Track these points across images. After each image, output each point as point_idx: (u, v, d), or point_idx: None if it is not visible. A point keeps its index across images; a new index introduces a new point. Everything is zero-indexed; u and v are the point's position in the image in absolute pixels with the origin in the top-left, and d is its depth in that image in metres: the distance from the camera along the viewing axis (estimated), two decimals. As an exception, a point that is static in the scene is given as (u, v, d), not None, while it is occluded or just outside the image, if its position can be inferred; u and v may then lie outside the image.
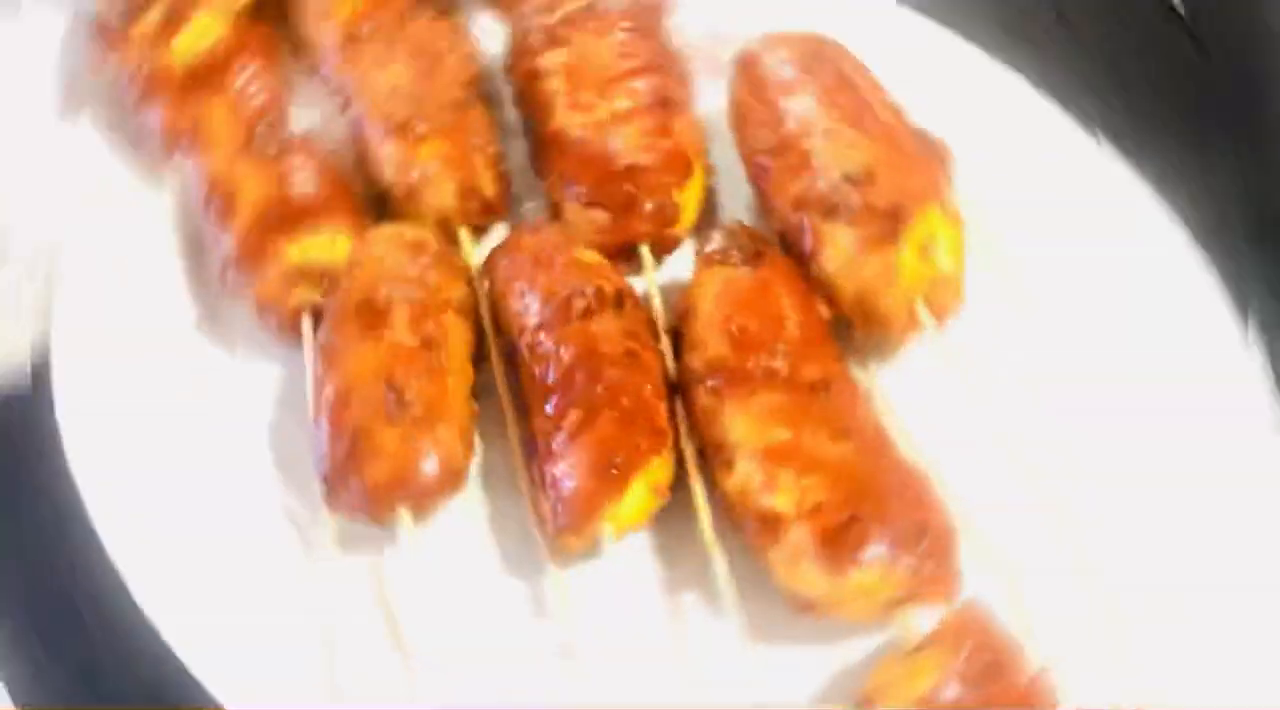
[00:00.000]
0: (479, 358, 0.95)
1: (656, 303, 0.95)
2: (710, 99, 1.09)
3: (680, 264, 1.00)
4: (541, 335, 0.87)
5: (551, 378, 0.85)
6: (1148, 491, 0.84)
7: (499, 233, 1.08)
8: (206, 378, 1.03)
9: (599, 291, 0.87)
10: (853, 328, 0.90)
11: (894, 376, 0.92)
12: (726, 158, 1.04)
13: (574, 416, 0.81)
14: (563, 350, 0.85)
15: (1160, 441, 0.86)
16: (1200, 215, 0.98)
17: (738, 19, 1.15)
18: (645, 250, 0.98)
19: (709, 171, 1.03)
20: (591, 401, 0.82)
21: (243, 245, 1.01)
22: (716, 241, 0.92)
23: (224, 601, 0.85)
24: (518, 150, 1.13)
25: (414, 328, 0.91)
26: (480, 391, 0.93)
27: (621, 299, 0.89)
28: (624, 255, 0.99)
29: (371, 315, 0.91)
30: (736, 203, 1.05)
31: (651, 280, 0.97)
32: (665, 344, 0.91)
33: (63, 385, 0.98)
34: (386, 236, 0.98)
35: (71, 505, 0.92)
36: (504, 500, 0.91)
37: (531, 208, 1.11)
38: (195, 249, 1.12)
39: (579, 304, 0.86)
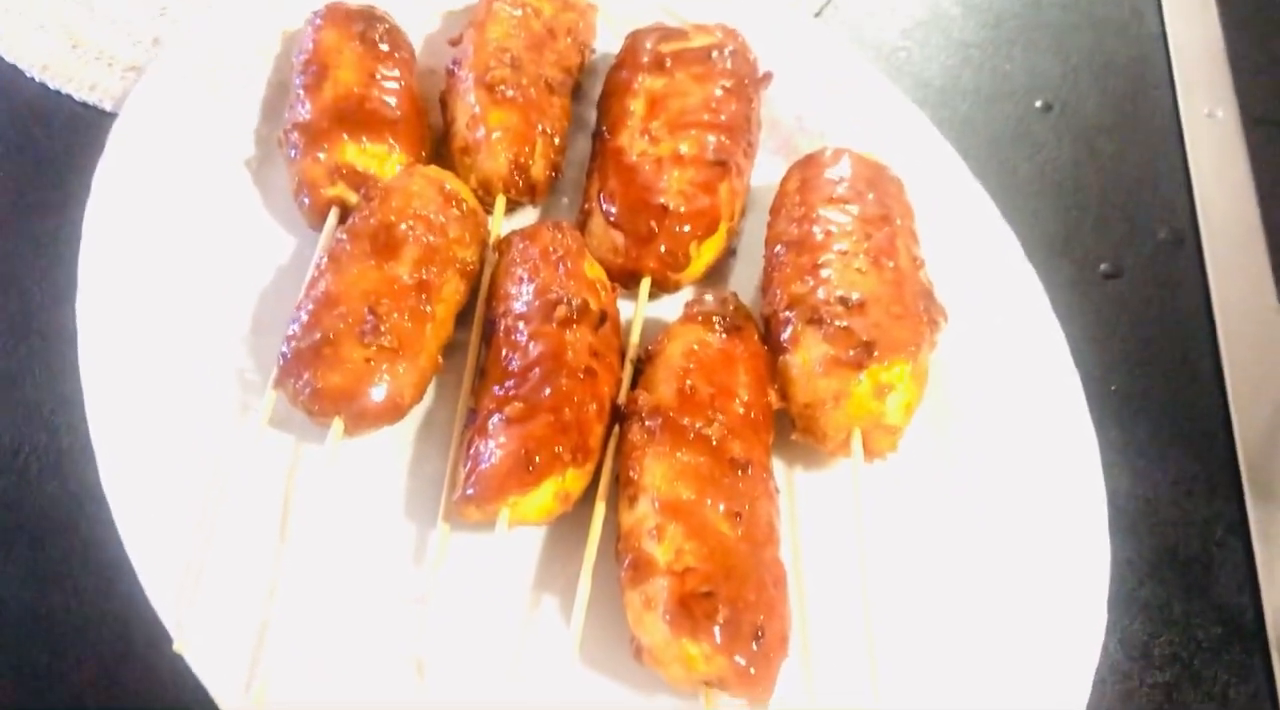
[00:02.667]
0: (463, 320, 1.02)
1: (635, 333, 1.02)
2: (768, 173, 1.17)
3: (674, 306, 1.07)
4: (520, 324, 0.94)
5: (514, 364, 0.91)
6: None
7: (528, 215, 1.16)
8: (229, 231, 1.10)
9: (584, 306, 0.94)
10: (792, 429, 0.96)
11: (808, 486, 0.99)
12: (759, 234, 1.11)
13: (517, 406, 0.88)
14: (532, 345, 0.92)
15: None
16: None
17: (825, 115, 1.23)
18: (646, 283, 1.05)
19: (733, 235, 1.10)
20: (537, 400, 0.88)
21: (315, 121, 1.08)
22: (706, 303, 0.98)
23: (151, 438, 0.92)
24: (580, 148, 1.21)
25: (417, 268, 0.97)
26: (452, 350, 1.01)
27: (603, 319, 0.95)
28: (627, 280, 1.05)
29: (386, 241, 0.98)
30: (747, 276, 1.12)
31: (640, 310, 1.04)
32: (627, 373, 0.98)
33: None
34: (430, 177, 1.05)
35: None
36: (429, 450, 0.97)
37: (567, 203, 1.18)
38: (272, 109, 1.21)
39: (562, 310, 0.92)
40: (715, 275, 1.10)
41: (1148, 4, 1.49)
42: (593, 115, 1.20)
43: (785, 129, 1.22)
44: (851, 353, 0.92)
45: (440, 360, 0.97)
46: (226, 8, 1.26)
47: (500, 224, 1.10)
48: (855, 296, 0.95)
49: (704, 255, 1.06)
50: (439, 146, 1.16)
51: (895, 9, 1.45)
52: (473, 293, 1.04)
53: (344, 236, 0.99)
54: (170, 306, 1.01)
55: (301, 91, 1.12)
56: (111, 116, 1.19)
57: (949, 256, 1.08)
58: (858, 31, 1.42)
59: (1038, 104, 1.36)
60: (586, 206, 1.09)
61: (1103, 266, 1.22)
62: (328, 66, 1.13)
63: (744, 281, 1.11)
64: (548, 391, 0.88)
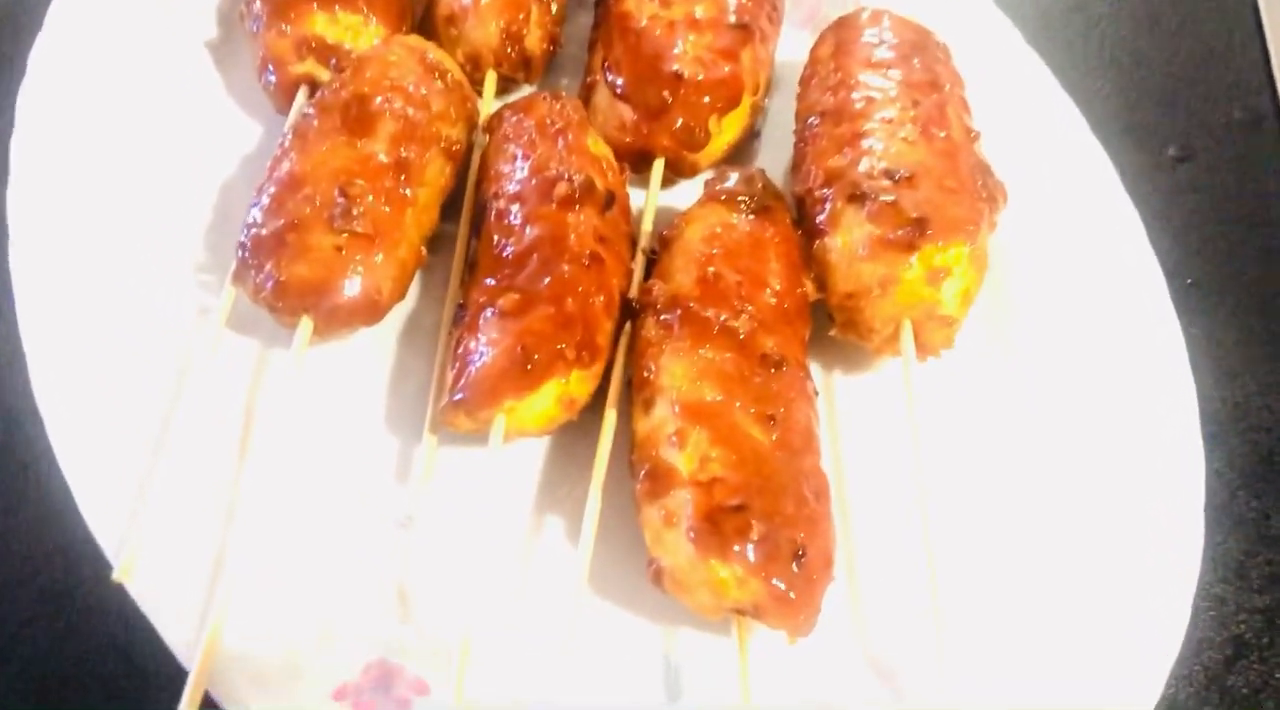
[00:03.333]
0: (450, 211, 0.90)
1: (647, 222, 0.88)
2: (794, 48, 1.03)
3: (692, 192, 0.94)
4: (515, 205, 0.81)
5: (508, 251, 0.79)
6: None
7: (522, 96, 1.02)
8: (184, 114, 0.97)
9: (588, 183, 0.81)
10: (831, 323, 0.83)
11: (850, 389, 0.86)
12: (786, 116, 0.98)
13: (512, 297, 0.75)
14: (529, 228, 0.79)
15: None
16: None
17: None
18: (659, 165, 0.91)
19: (757, 111, 0.96)
20: (536, 289, 0.75)
21: None
22: (730, 181, 0.85)
23: (92, 345, 0.80)
24: (580, 21, 1.07)
25: (395, 145, 0.84)
26: (438, 244, 0.88)
27: (610, 200, 0.82)
28: (637, 162, 0.92)
29: (360, 115, 0.85)
30: (774, 160, 0.99)
31: (653, 196, 0.90)
32: (638, 265, 0.85)
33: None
34: (410, 45, 0.91)
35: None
36: (413, 357, 0.85)
37: (566, 84, 1.04)
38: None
39: (563, 188, 0.79)
40: (738, 158, 0.97)
41: None
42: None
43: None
44: (900, 232, 0.79)
45: (424, 253, 0.84)
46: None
47: (490, 104, 0.96)
48: (903, 170, 0.81)
49: (725, 132, 0.93)
50: (421, 16, 1.02)
51: None
52: (460, 178, 0.91)
53: (311, 111, 0.86)
54: (115, 199, 0.89)
55: (260, -46, 0.99)
56: None
57: (1005, 131, 0.94)
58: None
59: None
60: (589, 79, 0.95)
61: (1171, 150, 1.08)
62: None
63: (771, 166, 0.98)
64: (547, 280, 0.76)
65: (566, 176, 0.80)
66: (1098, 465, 0.80)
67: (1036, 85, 0.99)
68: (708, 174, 0.93)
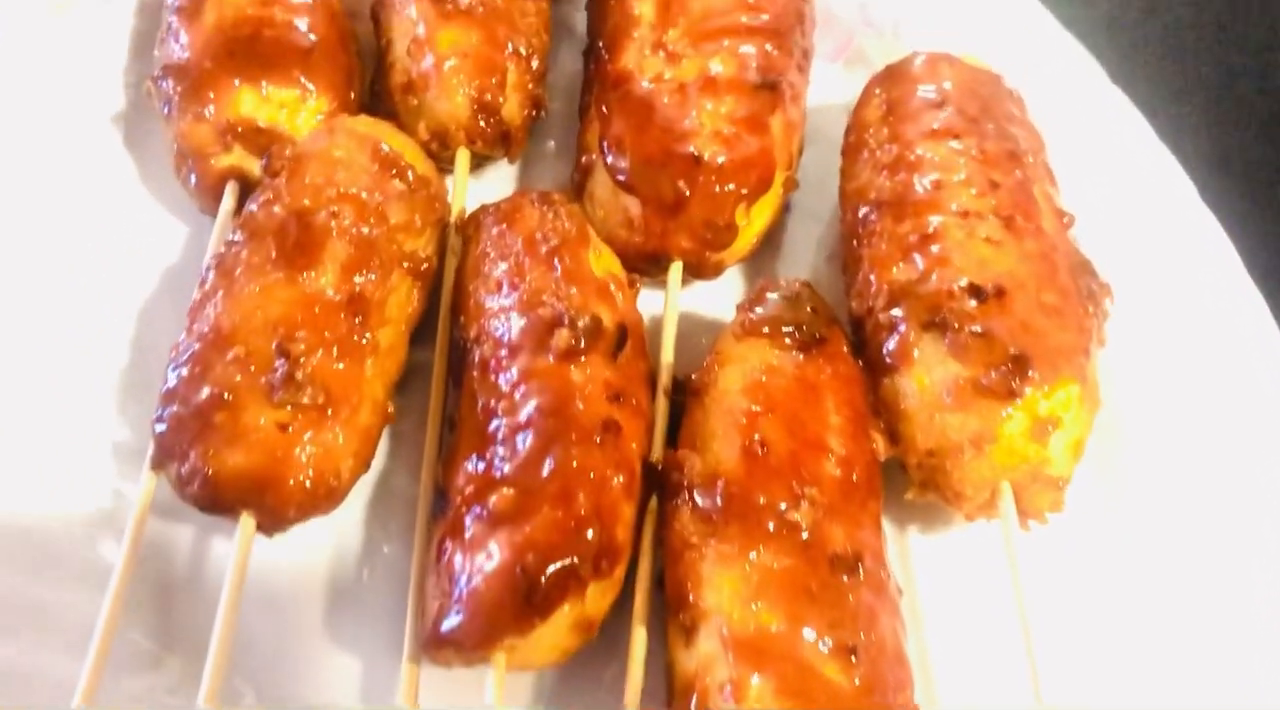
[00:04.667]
0: (421, 333, 0.72)
1: (667, 347, 0.71)
2: (824, 88, 0.85)
3: (717, 294, 0.77)
4: (504, 354, 0.63)
5: (498, 423, 0.61)
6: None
7: (502, 173, 0.85)
8: (90, 216, 0.80)
9: (595, 324, 0.63)
10: (905, 479, 0.67)
11: (930, 555, 0.70)
12: (817, 171, 0.81)
13: (506, 494, 0.58)
14: (523, 390, 0.62)
15: None
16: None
17: (900, 5, 0.91)
18: (677, 270, 0.74)
19: (790, 186, 0.78)
20: (536, 483, 0.58)
21: (194, 61, 0.77)
22: (770, 304, 0.67)
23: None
24: (566, 65, 0.89)
25: (346, 275, 0.66)
26: (410, 379, 0.71)
27: (622, 338, 0.65)
28: (650, 264, 0.75)
29: (300, 237, 0.67)
30: (807, 237, 0.82)
31: (671, 311, 0.73)
32: (661, 406, 0.68)
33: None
34: (359, 133, 0.73)
35: None
36: (385, 538, 0.68)
37: (554, 149, 0.86)
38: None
39: (564, 337, 0.62)
40: (768, 246, 0.80)
41: None
42: (580, 18, 0.88)
43: (845, 23, 0.90)
44: (995, 374, 0.62)
45: (390, 409, 0.67)
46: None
47: (464, 190, 0.78)
48: (990, 284, 0.64)
49: (755, 221, 0.75)
50: (373, 79, 0.84)
51: None
52: (433, 293, 0.73)
53: (238, 236, 0.68)
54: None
55: (174, 18, 0.80)
56: None
57: (1094, 196, 0.77)
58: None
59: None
60: (585, 159, 0.77)
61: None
62: (210, -20, 0.80)
63: (804, 245, 0.81)
64: (550, 467, 0.59)
65: (566, 318, 0.63)
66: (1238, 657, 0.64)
67: (1124, 131, 0.82)
68: (734, 272, 0.77)
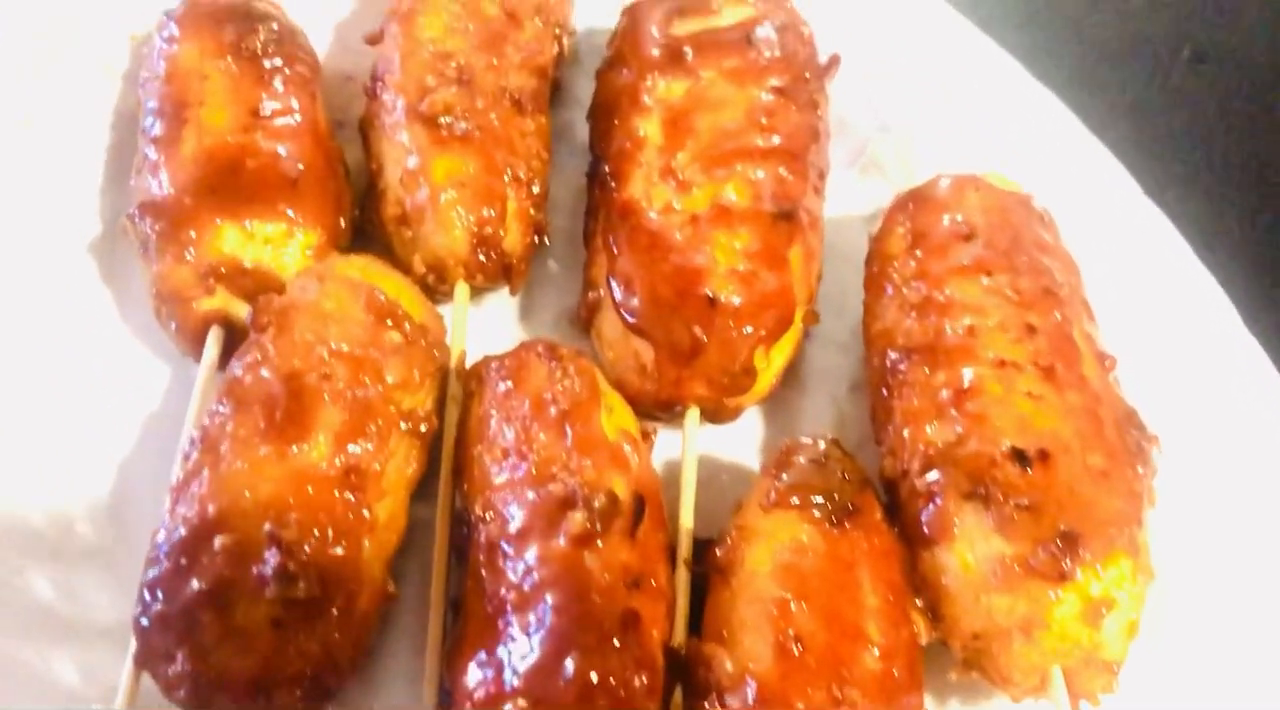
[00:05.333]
0: (421, 488, 0.68)
1: (687, 499, 0.66)
2: (838, 197, 0.81)
3: (734, 434, 0.73)
4: (513, 535, 0.59)
5: (508, 618, 0.57)
6: None
7: (501, 299, 0.80)
8: (63, 358, 0.75)
9: (610, 502, 0.59)
10: (948, 657, 0.62)
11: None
12: (834, 284, 0.77)
13: (522, 707, 0.54)
14: (535, 580, 0.57)
15: None
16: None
17: (913, 103, 0.86)
18: (693, 417, 0.69)
19: (810, 320, 0.74)
20: (553, 693, 0.54)
21: (174, 198, 0.72)
22: (797, 471, 0.63)
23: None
24: (567, 177, 0.85)
25: (342, 443, 0.62)
26: (411, 530, 0.66)
27: (639, 512, 0.60)
28: (663, 410, 0.71)
29: (290, 406, 0.62)
30: (827, 364, 0.77)
31: (689, 460, 0.68)
32: (682, 579, 0.63)
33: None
34: (351, 280, 0.68)
35: None
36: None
37: (557, 271, 0.81)
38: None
39: (577, 521, 0.57)
40: (786, 370, 0.75)
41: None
42: (580, 127, 0.84)
43: (858, 129, 0.86)
44: (1043, 552, 0.57)
45: (391, 586, 0.63)
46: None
47: (463, 328, 0.74)
48: (1034, 446, 0.60)
49: (774, 362, 0.71)
50: (363, 205, 0.79)
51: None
52: (432, 448, 0.69)
53: (224, 407, 0.63)
54: None
55: (151, 148, 0.75)
56: None
57: (1132, 324, 0.73)
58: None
59: (1186, 54, 0.98)
60: (592, 296, 0.73)
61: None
62: (187, 103, 0.76)
63: (825, 374, 0.77)
64: (567, 676, 0.54)
65: (580, 497, 0.58)
66: None
67: (1162, 255, 0.78)
68: (752, 414, 0.72)
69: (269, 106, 0.76)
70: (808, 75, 0.78)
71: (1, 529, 0.68)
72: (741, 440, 0.73)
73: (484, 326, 0.77)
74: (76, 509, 0.70)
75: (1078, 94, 0.87)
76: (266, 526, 0.58)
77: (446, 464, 0.68)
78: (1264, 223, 0.89)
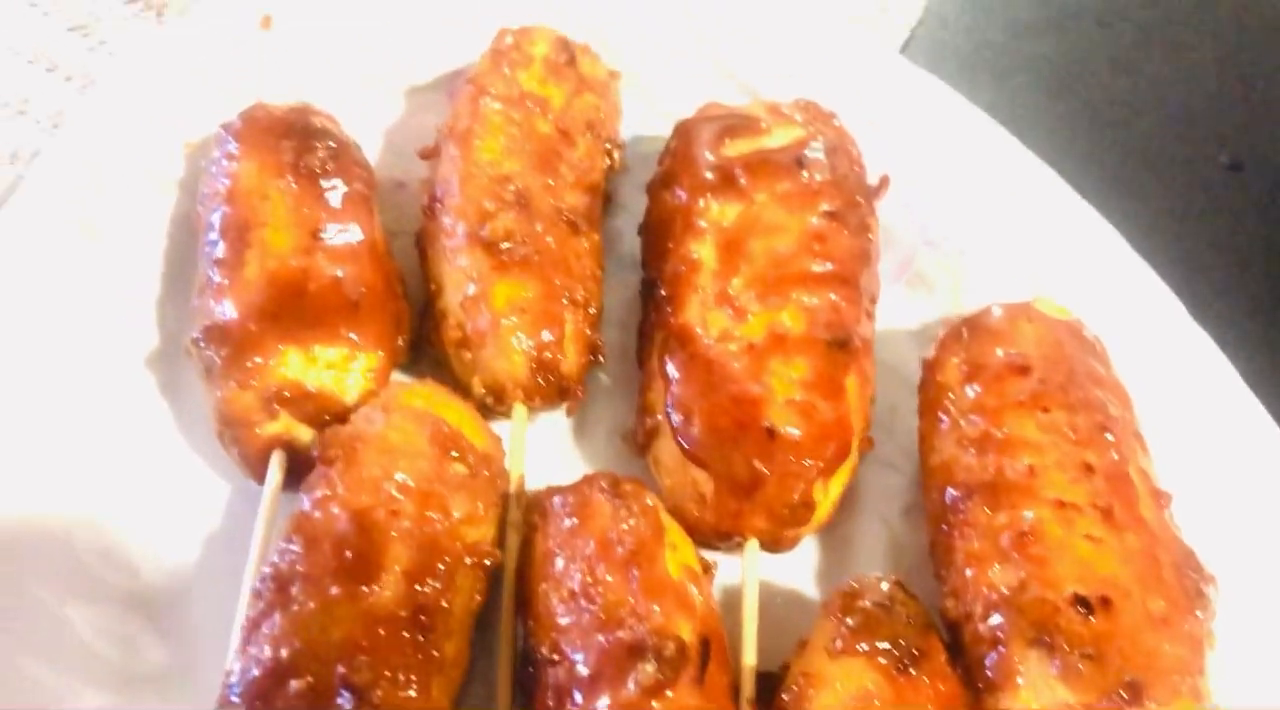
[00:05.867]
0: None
1: (749, 635, 0.67)
2: (886, 311, 0.82)
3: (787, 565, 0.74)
4: (582, 682, 0.60)
5: (579, 766, 0.58)
6: None
7: (556, 415, 0.80)
8: (125, 477, 0.76)
9: (679, 651, 0.60)
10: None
11: None
12: (884, 402, 0.78)
13: None
14: (606, 731, 0.58)
15: None
16: None
17: (959, 217, 0.87)
18: (754, 549, 0.70)
19: (866, 447, 0.75)
20: None
21: (239, 323, 0.73)
22: (861, 615, 0.63)
23: None
24: (618, 291, 0.86)
25: (410, 584, 0.62)
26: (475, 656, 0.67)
27: (705, 656, 0.61)
28: (721, 539, 0.71)
29: (362, 543, 0.63)
30: (879, 485, 0.78)
31: (750, 595, 0.69)
32: (746, 715, 0.64)
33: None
34: (416, 411, 0.69)
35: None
36: None
37: (608, 386, 0.83)
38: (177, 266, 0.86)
39: (647, 673, 0.58)
40: (844, 505, 0.76)
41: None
42: (628, 236, 0.85)
43: (905, 243, 0.87)
44: (1108, 703, 0.58)
45: (458, 721, 0.64)
46: (102, 105, 0.89)
47: (521, 451, 0.75)
48: (1095, 592, 0.61)
49: (832, 492, 0.72)
50: (420, 323, 0.81)
51: (1006, 32, 1.07)
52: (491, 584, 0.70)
53: (295, 544, 0.64)
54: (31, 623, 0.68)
55: (215, 269, 0.76)
56: None
57: (1184, 456, 0.74)
58: (954, 50, 1.04)
59: (1224, 161, 0.99)
60: (650, 422, 0.74)
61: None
62: (249, 224, 0.77)
63: (878, 496, 0.77)
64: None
65: (650, 646, 0.59)
66: None
67: (1212, 385, 0.78)
68: (809, 542, 0.73)
69: (329, 227, 0.78)
70: (859, 199, 0.80)
71: (59, 649, 0.69)
72: (795, 566, 0.73)
73: (537, 444, 0.77)
74: (136, 629, 0.71)
75: (1120, 201, 0.89)
76: (339, 670, 0.59)
77: (508, 594, 0.69)
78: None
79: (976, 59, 1.04)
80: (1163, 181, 0.98)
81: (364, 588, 0.62)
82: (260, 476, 0.73)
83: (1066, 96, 1.01)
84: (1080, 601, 0.61)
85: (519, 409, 0.76)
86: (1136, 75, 1.01)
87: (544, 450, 0.77)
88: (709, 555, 0.69)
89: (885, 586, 0.65)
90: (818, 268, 0.75)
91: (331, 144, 0.82)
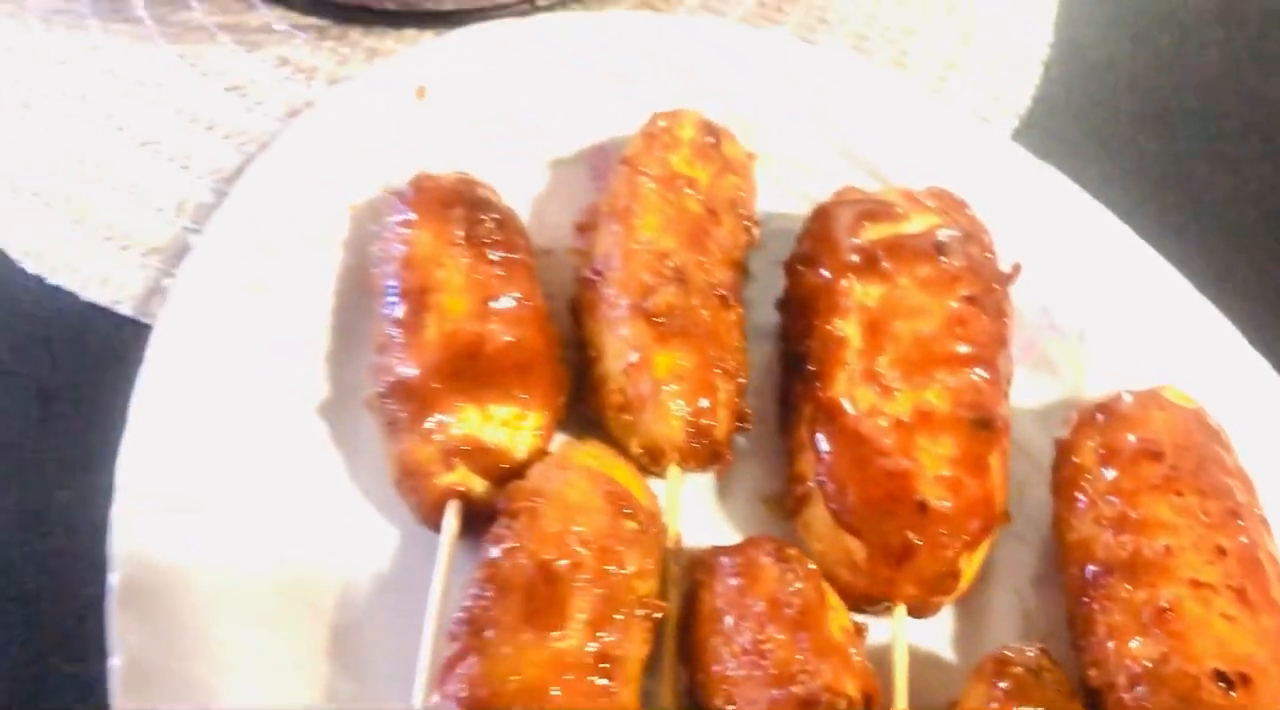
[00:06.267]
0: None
1: (900, 692, 0.72)
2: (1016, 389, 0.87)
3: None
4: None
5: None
6: None
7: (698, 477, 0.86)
8: (299, 521, 0.82)
9: (849, 706, 0.65)
10: None
11: None
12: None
13: None
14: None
15: None
16: None
17: (1081, 303, 0.93)
18: (902, 614, 0.75)
19: (1004, 521, 0.80)
20: None
21: (422, 380, 0.79)
22: (1015, 680, 0.68)
23: None
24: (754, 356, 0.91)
25: (592, 630, 0.68)
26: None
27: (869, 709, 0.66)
28: (869, 603, 0.76)
29: (546, 593, 0.68)
30: (1010, 556, 0.83)
31: (900, 657, 0.74)
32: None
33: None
34: (590, 472, 0.75)
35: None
36: None
37: (748, 448, 0.87)
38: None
39: (824, 727, 0.63)
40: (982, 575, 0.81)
41: None
42: (762, 308, 0.91)
43: (1029, 326, 0.92)
44: (1247, 775, 0.63)
45: (631, 760, 0.69)
46: (270, 170, 0.96)
47: (677, 510, 0.80)
48: (1235, 670, 0.66)
49: (974, 563, 0.77)
50: (576, 383, 0.86)
51: (1110, 122, 1.13)
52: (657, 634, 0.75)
53: (487, 593, 0.69)
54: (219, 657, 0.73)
55: (395, 329, 0.82)
56: (131, 325, 0.92)
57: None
58: (1063, 139, 1.10)
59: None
60: (800, 489, 0.79)
61: None
62: (427, 289, 0.83)
63: (1009, 565, 0.82)
64: None
65: (823, 702, 0.64)
66: None
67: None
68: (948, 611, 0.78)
69: (499, 295, 0.83)
70: (995, 283, 0.85)
71: (256, 685, 0.74)
72: (935, 631, 0.78)
73: (688, 502, 0.82)
74: (325, 667, 0.76)
75: (1224, 292, 0.94)
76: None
77: (670, 646, 0.74)
78: None
79: (1084, 147, 1.09)
80: (1267, 273, 1.02)
81: (553, 634, 0.67)
82: (435, 524, 0.78)
83: (1172, 187, 1.06)
84: (1221, 676, 0.65)
85: (674, 470, 0.81)
86: (1237, 172, 1.06)
87: (691, 511, 0.82)
88: (858, 618, 0.74)
89: (1032, 654, 0.70)
90: (960, 350, 0.80)
91: (496, 215, 0.89)
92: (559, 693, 0.65)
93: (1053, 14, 1.21)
